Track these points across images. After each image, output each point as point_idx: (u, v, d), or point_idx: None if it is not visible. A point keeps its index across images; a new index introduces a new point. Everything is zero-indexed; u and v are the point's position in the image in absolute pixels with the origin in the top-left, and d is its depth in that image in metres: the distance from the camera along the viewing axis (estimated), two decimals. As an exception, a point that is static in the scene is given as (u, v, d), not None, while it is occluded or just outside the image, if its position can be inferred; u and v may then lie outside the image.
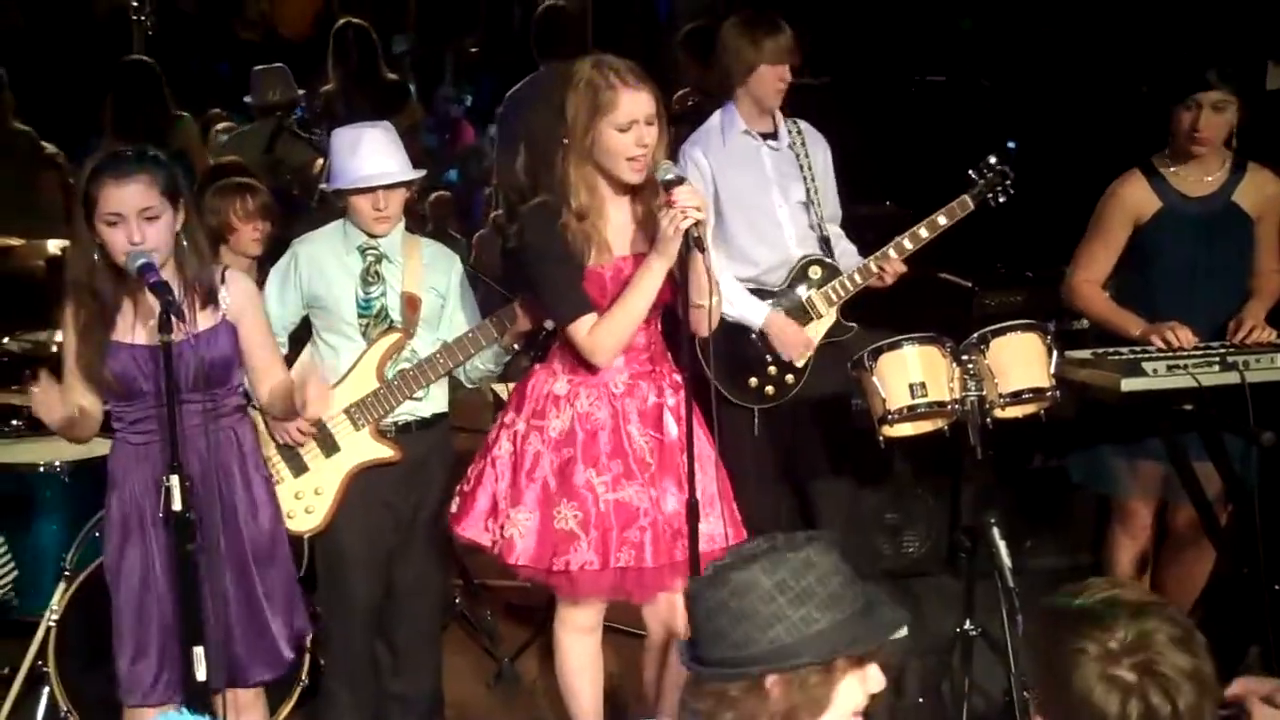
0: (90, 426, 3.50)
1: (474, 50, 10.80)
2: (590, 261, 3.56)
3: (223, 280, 3.50)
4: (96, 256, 3.36)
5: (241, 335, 3.52)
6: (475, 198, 9.26)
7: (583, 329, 3.57)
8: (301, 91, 6.95)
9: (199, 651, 3.28)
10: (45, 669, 4.11)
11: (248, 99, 7.18)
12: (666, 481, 3.64)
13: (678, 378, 3.61)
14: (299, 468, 3.94)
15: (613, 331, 3.56)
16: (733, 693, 2.14)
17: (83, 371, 3.43)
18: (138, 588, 3.48)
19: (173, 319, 3.16)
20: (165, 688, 3.47)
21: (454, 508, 3.79)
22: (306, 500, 3.94)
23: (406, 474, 3.97)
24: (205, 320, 3.44)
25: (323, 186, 4.28)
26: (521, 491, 3.65)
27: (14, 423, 4.77)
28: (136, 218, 3.30)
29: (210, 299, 3.45)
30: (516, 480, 3.66)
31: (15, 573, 4.44)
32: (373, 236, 3.92)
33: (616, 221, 3.60)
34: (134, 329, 3.43)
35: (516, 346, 4.06)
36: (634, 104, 3.48)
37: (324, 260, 3.94)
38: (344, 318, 3.93)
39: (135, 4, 7.38)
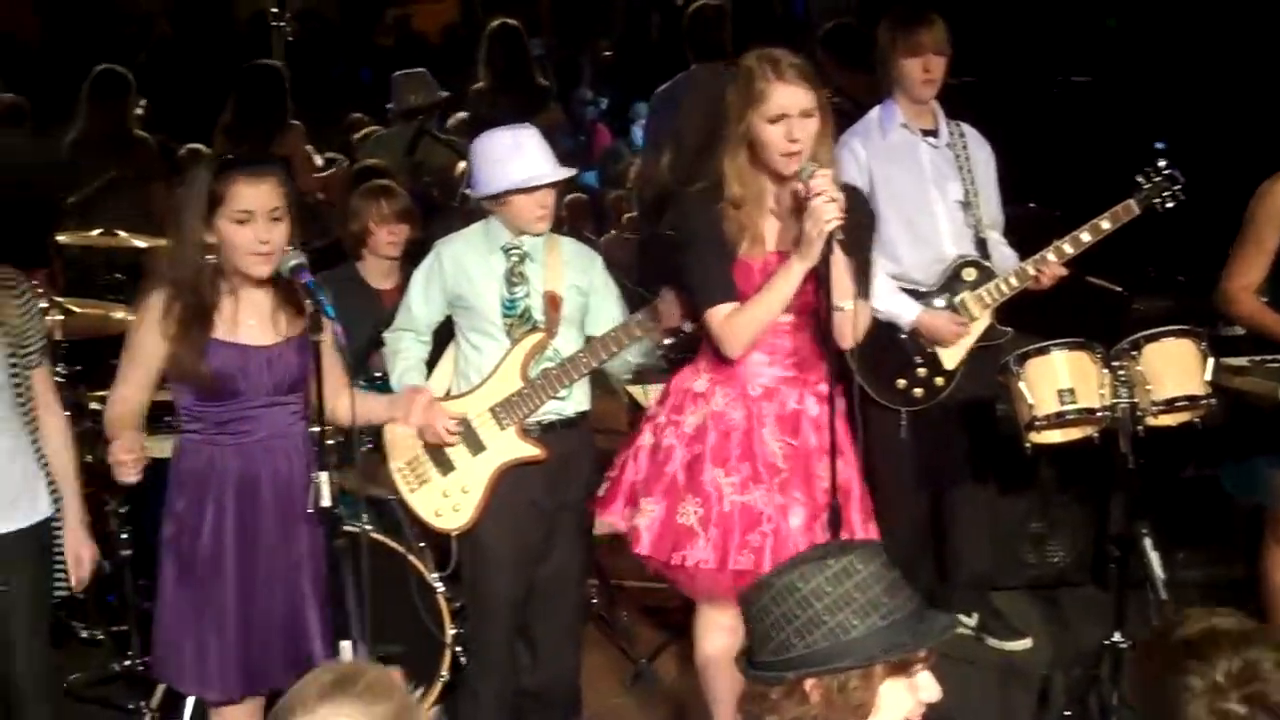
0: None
1: (608, 54, 10.87)
2: (742, 252, 3.57)
3: None
4: (209, 256, 3.39)
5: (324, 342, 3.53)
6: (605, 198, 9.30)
7: (719, 315, 3.60)
8: (445, 94, 7.03)
9: (346, 645, 3.33)
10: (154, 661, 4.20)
11: (389, 104, 7.29)
12: (796, 491, 3.62)
13: (824, 388, 3.58)
14: (446, 467, 3.98)
15: (746, 324, 3.57)
16: (774, 695, 2.18)
17: (177, 370, 3.45)
18: (208, 586, 3.48)
19: (323, 319, 3.22)
20: (234, 683, 3.50)
21: (601, 492, 3.87)
22: (454, 499, 3.98)
23: (551, 472, 3.99)
24: (297, 326, 3.47)
25: (467, 191, 4.32)
26: (652, 483, 3.71)
27: (167, 419, 4.89)
28: (265, 217, 3.35)
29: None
30: (650, 471, 3.72)
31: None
32: (518, 236, 3.94)
33: (773, 215, 3.58)
34: (234, 328, 3.45)
35: (666, 341, 4.06)
36: (786, 97, 3.47)
37: (468, 261, 3.98)
38: (488, 318, 3.96)
39: (274, 10, 7.53)
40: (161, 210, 6.39)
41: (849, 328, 3.49)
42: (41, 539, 3.61)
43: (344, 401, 3.46)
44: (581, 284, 4.01)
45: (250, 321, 3.45)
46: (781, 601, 2.16)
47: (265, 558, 3.48)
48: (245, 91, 6.74)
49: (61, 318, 4.70)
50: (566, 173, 4.01)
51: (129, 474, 3.35)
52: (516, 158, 3.89)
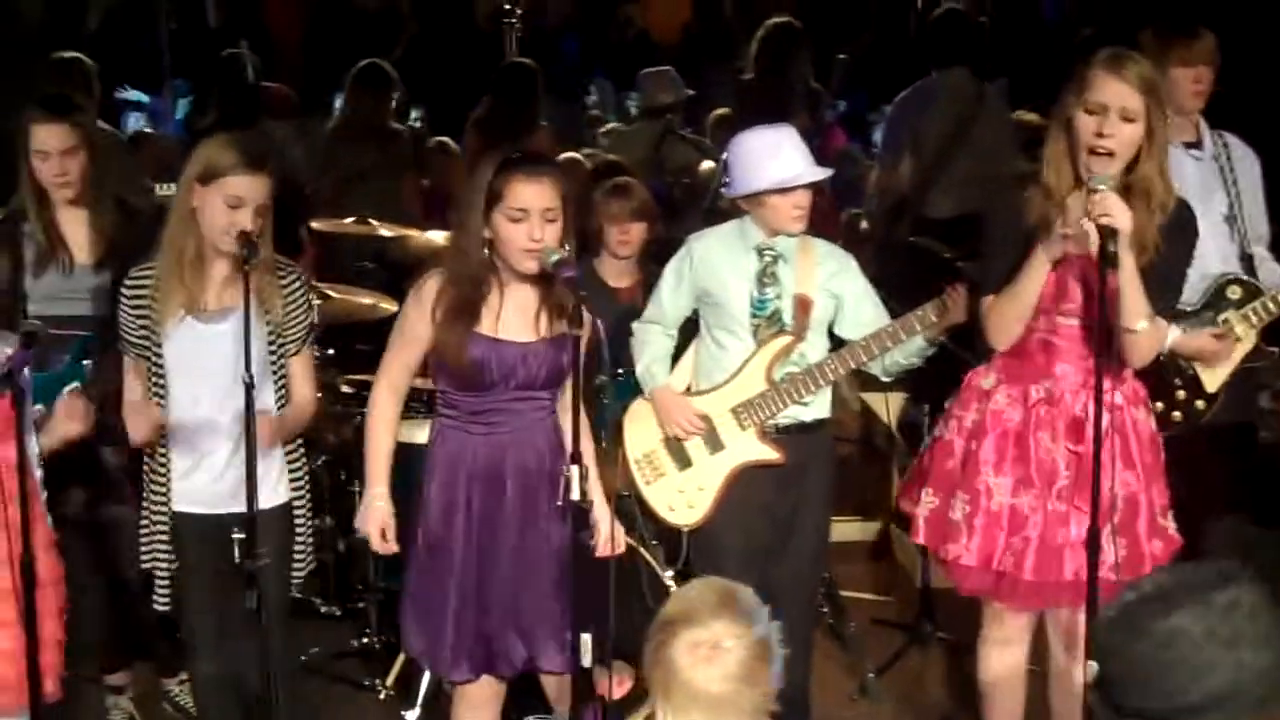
0: None
1: (843, 56, 10.75)
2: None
3: None
4: (486, 250, 3.45)
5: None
6: (838, 203, 9.18)
7: (986, 304, 3.61)
8: (689, 92, 7.06)
9: (586, 638, 3.34)
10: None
11: (631, 101, 7.35)
12: (1077, 499, 3.52)
13: (1118, 397, 3.50)
14: (684, 462, 3.98)
15: (1000, 312, 3.56)
16: None
17: (438, 356, 3.50)
18: (457, 570, 3.53)
19: (584, 314, 3.25)
20: (472, 663, 3.56)
21: (905, 479, 3.96)
22: (689, 495, 3.98)
23: (786, 476, 3.96)
24: (558, 325, 3.48)
25: (722, 189, 4.29)
26: (934, 475, 3.74)
27: (415, 405, 5.01)
28: (540, 216, 3.39)
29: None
30: (934, 463, 3.75)
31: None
32: (772, 236, 3.92)
33: (1077, 214, 3.47)
34: (497, 323, 3.49)
35: (942, 339, 3.99)
36: (1110, 91, 3.38)
37: (719, 258, 3.96)
38: (736, 317, 3.94)
39: (506, 7, 7.66)
40: (410, 201, 6.60)
41: (1144, 349, 3.42)
42: (288, 520, 3.73)
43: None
44: (833, 288, 3.96)
45: (513, 318, 3.50)
46: (1168, 646, 2.00)
47: (506, 548, 3.53)
48: (500, 89, 6.88)
49: (319, 302, 4.85)
50: (823, 173, 3.98)
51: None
52: (774, 158, 3.86)
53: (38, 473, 3.49)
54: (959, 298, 3.85)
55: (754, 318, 3.93)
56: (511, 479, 3.52)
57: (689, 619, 2.38)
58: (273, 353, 3.66)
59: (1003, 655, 3.76)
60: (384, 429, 3.62)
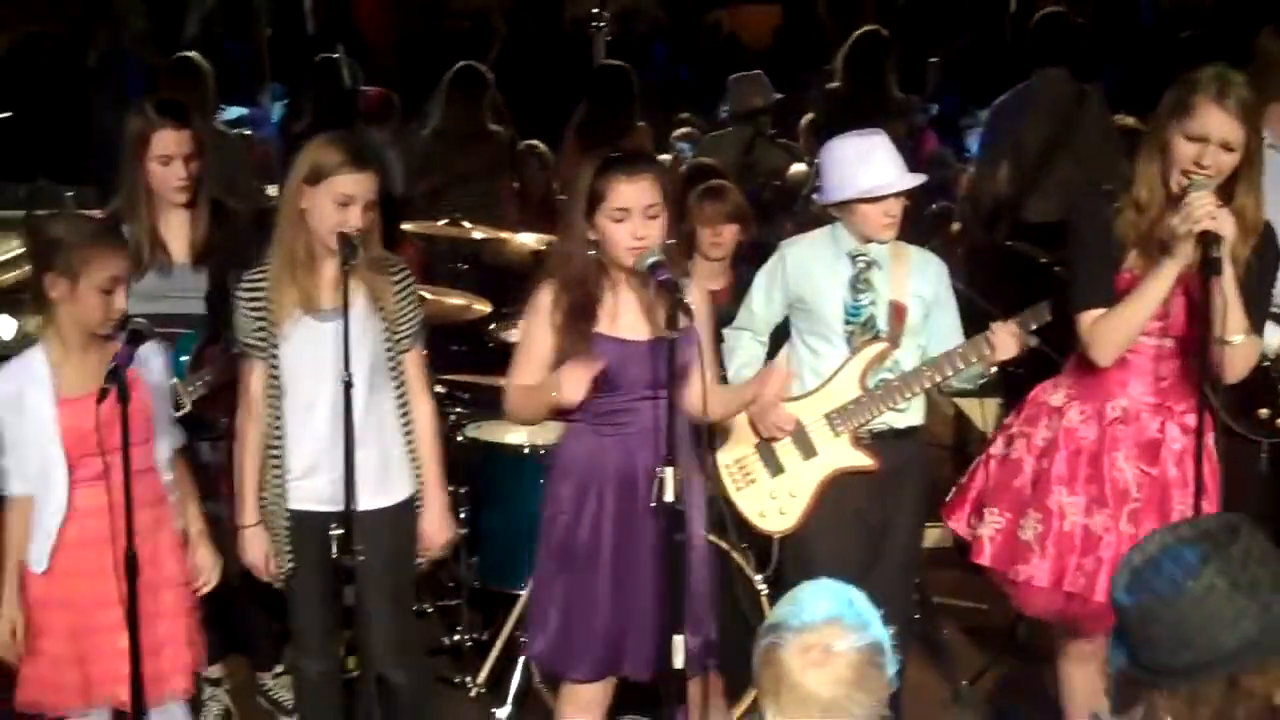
0: None
1: (933, 60, 10.66)
2: (1129, 263, 3.45)
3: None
4: (593, 251, 3.48)
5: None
6: (926, 205, 9.10)
7: (1089, 318, 3.52)
8: (779, 96, 7.05)
9: (678, 640, 3.35)
10: (524, 639, 4.31)
11: (723, 105, 7.35)
12: (1149, 522, 3.46)
13: (1191, 419, 3.44)
14: (775, 468, 3.96)
15: (1112, 328, 3.48)
16: (1208, 694, 2.13)
17: (560, 360, 3.51)
18: (583, 571, 3.57)
19: (679, 316, 3.25)
20: (596, 664, 3.58)
21: (948, 498, 3.86)
22: (780, 501, 3.96)
23: (879, 484, 3.93)
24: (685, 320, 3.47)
25: (814, 195, 4.29)
26: (999, 494, 3.68)
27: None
28: (641, 214, 3.41)
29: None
30: (998, 481, 3.69)
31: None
32: (864, 243, 3.89)
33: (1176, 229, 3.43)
34: (614, 323, 3.52)
35: (993, 370, 3.95)
36: (1212, 122, 3.33)
37: (812, 264, 3.95)
38: (829, 323, 3.92)
39: (594, 11, 7.69)
40: (507, 203, 6.65)
41: (1241, 362, 3.37)
42: (401, 519, 3.76)
43: (695, 392, 3.44)
44: (926, 294, 3.93)
45: (629, 317, 3.52)
46: (1200, 603, 2.12)
47: (640, 550, 3.53)
48: (597, 92, 6.91)
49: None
50: (915, 180, 3.93)
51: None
52: (865, 165, 3.84)
53: (167, 475, 3.56)
54: (1005, 337, 3.77)
55: (848, 324, 3.91)
56: (644, 480, 3.51)
57: (800, 621, 2.38)
58: (389, 349, 3.70)
59: (1085, 670, 3.69)
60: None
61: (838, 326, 3.91)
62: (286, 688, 4.54)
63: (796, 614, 2.40)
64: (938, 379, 3.88)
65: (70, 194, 6.68)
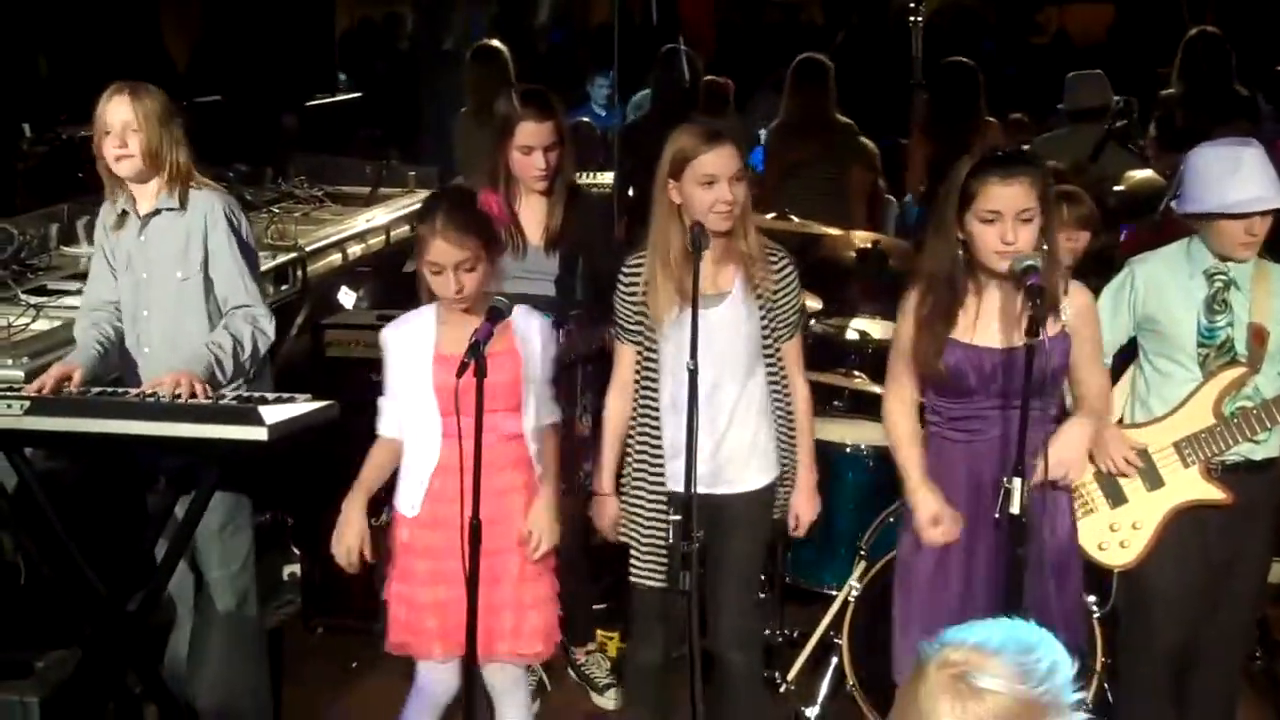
0: None
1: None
2: None
3: (1065, 290, 3.47)
4: (961, 251, 3.42)
5: (1073, 348, 3.48)
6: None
7: None
8: (1118, 98, 6.78)
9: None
10: (837, 640, 4.32)
11: (1061, 105, 7.12)
12: None
13: None
14: (1117, 499, 3.80)
15: None
16: None
17: (916, 361, 3.50)
18: (930, 577, 3.54)
19: (1037, 326, 3.17)
20: None
21: None
22: (1122, 534, 3.79)
23: (1230, 519, 3.74)
24: (1052, 328, 3.40)
25: (1172, 204, 4.09)
26: None
27: (835, 403, 5.03)
28: (1014, 218, 3.34)
29: (1053, 308, 3.41)
30: None
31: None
32: (1223, 260, 3.71)
33: None
34: (973, 327, 3.46)
35: None
36: None
37: (1164, 282, 3.78)
38: (1181, 345, 3.75)
39: (912, 5, 7.57)
40: (858, 193, 6.64)
41: None
42: (762, 504, 3.79)
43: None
44: None
45: (991, 322, 3.46)
46: None
47: (987, 560, 3.49)
48: (940, 89, 6.81)
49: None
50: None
51: None
52: (1232, 178, 3.65)
53: (533, 445, 3.67)
54: None
55: (1202, 346, 3.73)
56: (991, 490, 3.44)
57: (958, 637, 1.97)
58: (765, 334, 3.74)
59: None
60: (908, 440, 3.60)
61: (1190, 349, 3.74)
62: (599, 664, 4.64)
63: (963, 632, 1.99)
64: None
65: (412, 173, 7.00)
